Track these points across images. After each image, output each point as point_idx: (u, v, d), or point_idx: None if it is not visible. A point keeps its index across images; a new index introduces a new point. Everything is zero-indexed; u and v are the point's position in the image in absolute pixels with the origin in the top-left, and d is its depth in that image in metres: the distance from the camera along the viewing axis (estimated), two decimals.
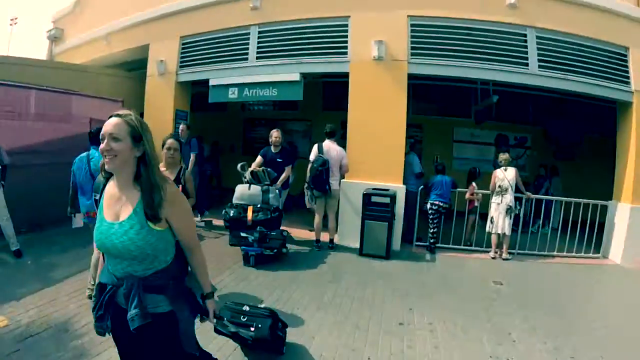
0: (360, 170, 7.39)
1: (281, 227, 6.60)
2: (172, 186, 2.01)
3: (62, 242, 6.43)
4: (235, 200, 6.58)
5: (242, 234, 6.12)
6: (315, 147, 7.12)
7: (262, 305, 4.22)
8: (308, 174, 6.97)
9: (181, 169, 4.63)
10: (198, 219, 8.58)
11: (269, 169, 6.71)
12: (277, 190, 6.64)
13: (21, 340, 3.79)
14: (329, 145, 7.08)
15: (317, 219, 7.13)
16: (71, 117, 8.10)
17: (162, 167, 4.19)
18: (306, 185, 7.09)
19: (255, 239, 6.02)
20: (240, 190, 6.62)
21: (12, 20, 42.39)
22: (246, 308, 3.72)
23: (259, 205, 6.37)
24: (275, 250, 6.23)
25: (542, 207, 8.75)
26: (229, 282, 5.38)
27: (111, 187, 1.96)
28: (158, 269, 1.95)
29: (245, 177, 6.75)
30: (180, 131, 8.38)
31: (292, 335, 4.07)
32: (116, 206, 1.92)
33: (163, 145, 4.51)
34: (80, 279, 5.37)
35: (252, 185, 6.62)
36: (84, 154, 5.24)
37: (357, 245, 7.04)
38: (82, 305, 4.57)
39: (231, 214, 6.27)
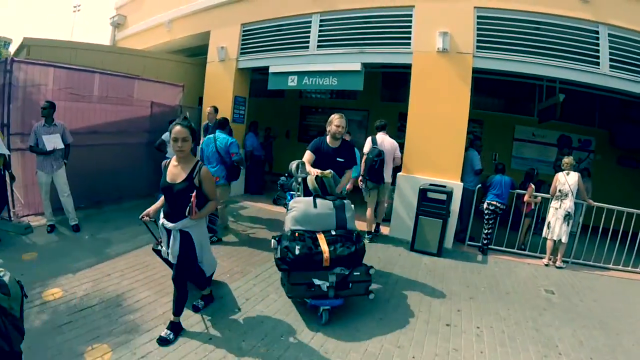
0: (417, 165, 7.27)
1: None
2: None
3: (118, 220, 6.67)
4: (295, 226, 4.33)
5: (315, 281, 4.08)
6: (370, 139, 7.08)
7: None
8: (363, 166, 6.92)
9: (196, 164, 3.59)
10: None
11: (334, 173, 4.78)
12: (352, 206, 4.66)
13: (74, 313, 3.93)
14: (383, 137, 7.09)
15: (370, 211, 7.03)
16: (133, 101, 8.32)
17: (174, 162, 3.62)
18: (361, 177, 7.00)
19: (332, 285, 4.11)
20: (304, 208, 4.37)
21: (75, 7, 44.24)
22: None
23: (333, 233, 4.32)
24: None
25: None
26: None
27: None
28: None
29: (298, 184, 4.89)
30: (207, 114, 8.34)
31: (338, 327, 4.09)
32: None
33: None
34: (134, 255, 5.55)
35: (318, 200, 4.44)
36: (211, 135, 6.60)
37: (409, 239, 6.94)
38: (136, 282, 4.73)
39: (297, 252, 4.03)
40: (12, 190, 6.25)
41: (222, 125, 6.75)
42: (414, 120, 7.35)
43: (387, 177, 7.02)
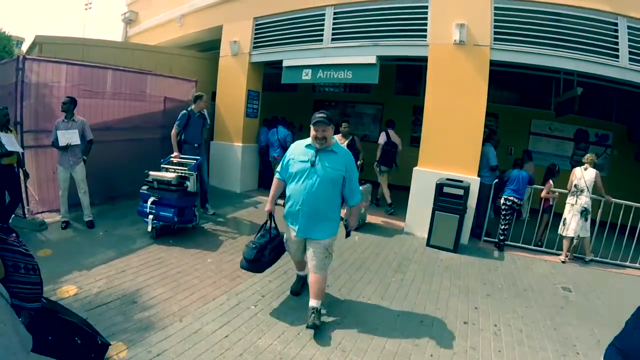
0: (434, 159, 7.16)
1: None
2: None
3: (133, 216, 6.60)
4: None
5: None
6: (384, 133, 9.02)
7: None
8: (378, 154, 8.86)
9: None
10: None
11: None
12: None
13: (89, 310, 3.91)
14: (392, 132, 9.05)
15: (385, 189, 8.96)
16: (146, 96, 8.30)
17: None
18: (375, 163, 8.93)
19: None
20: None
21: (86, 4, 44.58)
22: None
23: None
24: None
25: None
26: None
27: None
28: None
29: None
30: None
31: (355, 324, 4.06)
32: None
33: None
34: (149, 251, 5.54)
35: None
36: (274, 129, 9.64)
37: (425, 235, 6.87)
38: (150, 279, 4.70)
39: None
40: (26, 188, 6.25)
41: (282, 122, 10.14)
42: (430, 114, 7.22)
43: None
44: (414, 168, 7.32)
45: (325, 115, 3.69)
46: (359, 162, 7.53)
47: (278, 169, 4.13)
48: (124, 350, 3.30)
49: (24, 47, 36.21)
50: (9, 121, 5.73)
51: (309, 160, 3.72)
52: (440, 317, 4.39)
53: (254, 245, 4.14)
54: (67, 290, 4.27)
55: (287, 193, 3.95)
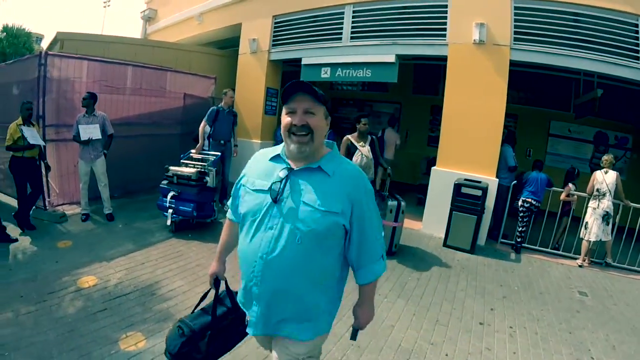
0: (452, 159, 7.10)
1: None
2: None
3: (152, 210, 6.70)
4: None
5: None
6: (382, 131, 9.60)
7: None
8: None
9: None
10: None
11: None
12: None
13: (108, 300, 3.97)
14: (390, 131, 9.59)
15: None
16: (165, 92, 8.40)
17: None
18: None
19: None
20: None
21: (105, 2, 45.17)
22: None
23: None
24: None
25: None
26: None
27: None
28: None
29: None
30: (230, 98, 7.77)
31: (371, 322, 4.00)
32: None
33: None
34: (168, 244, 5.60)
35: None
36: None
37: (442, 235, 6.82)
38: (169, 271, 4.76)
39: None
40: (47, 180, 6.37)
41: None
42: (449, 114, 7.15)
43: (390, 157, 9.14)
44: (432, 168, 7.28)
45: (305, 82, 1.78)
46: (379, 177, 7.00)
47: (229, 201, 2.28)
48: (143, 341, 3.35)
49: (43, 44, 36.89)
50: (31, 115, 5.85)
51: (269, 189, 1.82)
52: (457, 317, 4.37)
53: (182, 331, 2.23)
54: (86, 280, 4.35)
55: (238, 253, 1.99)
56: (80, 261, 4.79)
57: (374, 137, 6.14)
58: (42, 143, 5.90)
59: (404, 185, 10.37)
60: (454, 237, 6.63)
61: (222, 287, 2.39)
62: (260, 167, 1.97)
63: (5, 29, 31.33)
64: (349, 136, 5.86)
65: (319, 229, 1.72)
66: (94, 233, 5.89)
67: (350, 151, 5.74)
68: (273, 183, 1.81)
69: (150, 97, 8.08)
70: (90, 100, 6.17)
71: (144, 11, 16.07)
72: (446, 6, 7.08)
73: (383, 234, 2.01)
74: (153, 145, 8.12)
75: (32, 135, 5.64)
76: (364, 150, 5.75)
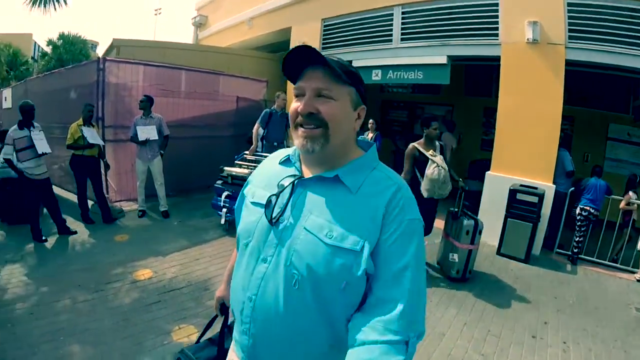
0: (506, 163, 6.85)
1: None
2: None
3: (206, 209, 6.87)
4: None
5: None
6: None
7: None
8: None
9: None
10: None
11: None
12: None
13: (163, 293, 4.13)
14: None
15: None
16: (218, 95, 8.65)
17: None
18: None
19: None
20: None
21: (156, 10, 46.89)
22: None
23: None
24: None
25: None
26: None
27: None
28: None
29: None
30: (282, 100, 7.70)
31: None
32: None
33: None
34: (222, 242, 5.75)
35: None
36: None
37: (496, 243, 6.57)
38: (222, 268, 4.78)
39: None
40: (106, 178, 6.66)
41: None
42: (503, 117, 6.92)
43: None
44: (487, 173, 7.05)
45: (317, 51, 1.18)
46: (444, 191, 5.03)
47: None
48: (195, 334, 3.44)
49: (98, 50, 38.68)
50: (92, 117, 6.19)
51: (271, 204, 1.27)
52: (509, 328, 4.21)
53: None
54: (142, 273, 4.56)
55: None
56: (137, 255, 5.01)
57: (441, 143, 5.26)
58: (101, 142, 6.21)
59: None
60: (508, 246, 6.39)
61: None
62: (267, 172, 1.42)
63: (62, 36, 33.14)
64: (414, 144, 5.00)
65: (322, 272, 1.11)
66: (150, 229, 6.14)
67: (419, 163, 4.90)
68: (271, 196, 1.26)
69: (204, 100, 8.36)
70: (147, 103, 6.44)
71: (194, 17, 16.53)
72: (497, 4, 6.85)
73: (425, 301, 1.22)
74: (207, 146, 8.35)
75: (92, 135, 5.95)
76: (437, 160, 4.85)
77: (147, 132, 6.33)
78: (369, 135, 7.97)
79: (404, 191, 1.22)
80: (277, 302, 1.16)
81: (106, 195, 6.61)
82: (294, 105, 1.24)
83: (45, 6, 9.33)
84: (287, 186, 1.25)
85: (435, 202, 5.10)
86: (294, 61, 1.23)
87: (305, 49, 1.18)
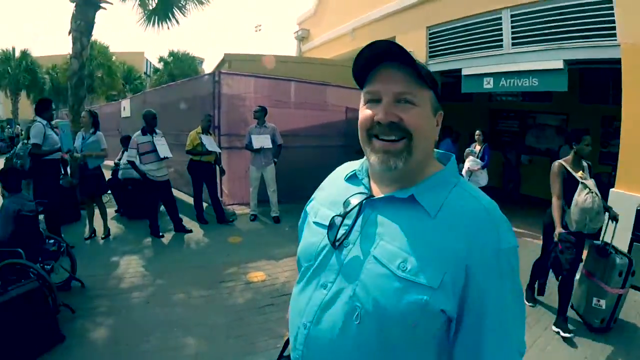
0: (634, 180, 5.97)
1: None
2: None
3: None
4: None
5: None
6: None
7: None
8: None
9: None
10: None
11: None
12: None
13: (276, 297, 4.25)
14: None
15: None
16: (327, 106, 8.95)
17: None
18: None
19: None
20: None
21: (256, 27, 49.24)
22: None
23: None
24: None
25: None
26: None
27: None
28: None
29: None
30: None
31: None
32: None
33: None
34: None
35: None
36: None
37: None
38: None
39: None
40: (220, 182, 7.25)
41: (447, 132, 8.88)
42: (629, 126, 6.10)
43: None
44: (611, 190, 6.17)
45: (394, 43, 0.98)
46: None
47: None
48: None
49: (204, 66, 41.56)
50: (210, 126, 6.78)
51: (335, 225, 1.08)
52: None
53: None
54: (255, 275, 4.78)
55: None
56: (250, 257, 5.29)
57: (588, 163, 4.23)
58: (218, 150, 6.76)
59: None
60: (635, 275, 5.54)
61: None
62: (332, 189, 1.28)
63: (172, 53, 36.92)
64: (561, 162, 4.09)
65: (391, 308, 0.95)
66: (262, 233, 6.48)
67: (567, 185, 3.99)
68: (335, 216, 1.09)
69: (314, 111, 8.71)
70: (261, 113, 6.84)
71: (297, 32, 17.15)
72: (611, 1, 6.19)
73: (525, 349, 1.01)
74: (317, 155, 8.53)
75: (210, 143, 6.48)
76: (589, 184, 3.89)
77: (262, 141, 6.68)
78: (476, 147, 7.62)
79: (494, 213, 1.00)
80: (333, 335, 1.00)
81: (220, 199, 7.12)
82: (366, 112, 1.06)
83: (159, 25, 10.36)
84: (354, 206, 1.07)
85: (584, 238, 4.02)
86: (369, 60, 1.05)
87: (384, 44, 0.99)
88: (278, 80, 8.33)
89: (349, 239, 1.05)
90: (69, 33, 8.56)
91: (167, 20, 10.36)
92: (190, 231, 6.37)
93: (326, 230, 1.09)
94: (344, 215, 1.07)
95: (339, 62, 11.82)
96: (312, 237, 1.16)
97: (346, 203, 1.10)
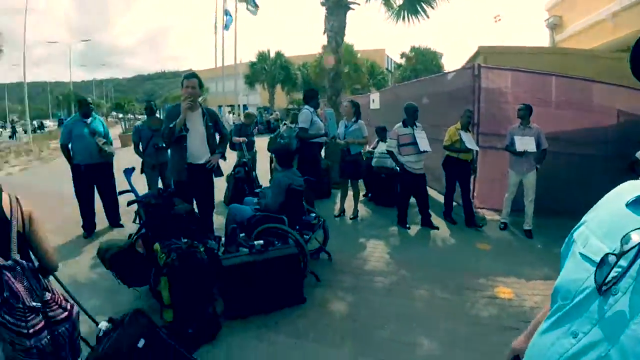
0: None
1: None
2: None
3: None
4: None
5: None
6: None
7: None
8: None
9: None
10: None
11: None
12: None
13: (522, 321, 3.65)
14: None
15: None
16: (593, 107, 7.42)
17: None
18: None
19: None
20: None
21: (496, 17, 46.66)
22: None
23: None
24: None
25: None
26: None
27: None
28: None
29: None
30: None
31: None
32: None
33: None
34: None
35: None
36: None
37: None
38: None
39: None
40: (474, 183, 7.03)
41: None
42: None
43: None
44: None
45: None
46: None
47: None
48: None
49: (444, 60, 41.83)
50: (469, 123, 6.50)
51: (605, 264, 0.76)
52: None
53: None
54: (503, 291, 4.36)
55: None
56: (498, 269, 4.90)
57: None
58: (476, 148, 6.48)
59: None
60: None
61: None
62: (609, 214, 0.91)
63: (414, 49, 38.67)
64: None
65: None
66: (512, 245, 5.93)
67: None
68: (609, 254, 0.77)
69: (576, 111, 7.37)
70: (526, 112, 6.17)
71: (547, 19, 15.54)
72: None
73: None
74: (578, 165, 7.31)
75: (469, 140, 6.25)
76: None
77: (526, 143, 6.03)
78: None
79: None
80: None
81: (471, 200, 6.86)
82: None
83: (408, 20, 10.53)
84: (634, 245, 0.74)
85: None
86: None
87: None
88: (539, 74, 7.36)
89: (618, 285, 0.74)
90: (324, 33, 9.61)
91: (417, 14, 10.48)
92: (437, 228, 6.32)
93: (594, 268, 0.79)
94: (619, 255, 0.75)
95: (604, 55, 10.25)
96: (576, 272, 0.87)
97: (626, 239, 0.76)
